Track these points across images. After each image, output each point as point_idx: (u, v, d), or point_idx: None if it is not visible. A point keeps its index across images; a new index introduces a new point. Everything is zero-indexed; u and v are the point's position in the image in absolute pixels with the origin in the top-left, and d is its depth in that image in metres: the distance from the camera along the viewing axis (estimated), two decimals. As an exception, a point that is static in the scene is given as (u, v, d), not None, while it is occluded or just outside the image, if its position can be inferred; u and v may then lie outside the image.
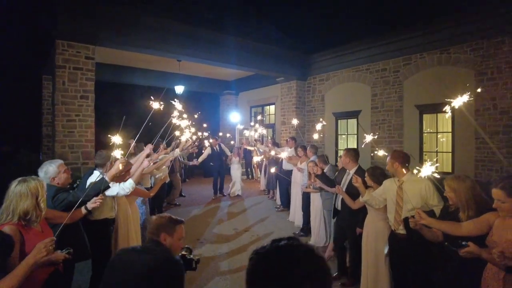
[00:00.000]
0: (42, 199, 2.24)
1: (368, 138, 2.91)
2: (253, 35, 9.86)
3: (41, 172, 2.88)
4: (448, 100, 2.29)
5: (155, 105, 3.01)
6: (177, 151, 5.79)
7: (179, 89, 11.24)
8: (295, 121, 4.90)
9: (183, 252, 2.22)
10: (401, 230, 2.96)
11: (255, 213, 7.85)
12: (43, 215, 2.27)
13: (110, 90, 11.32)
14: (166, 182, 7.38)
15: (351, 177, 4.03)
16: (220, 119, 15.21)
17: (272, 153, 7.14)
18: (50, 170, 2.89)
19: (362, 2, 11.45)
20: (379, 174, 3.35)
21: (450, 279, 2.42)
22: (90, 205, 2.79)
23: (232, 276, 4.46)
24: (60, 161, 3.01)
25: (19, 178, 2.25)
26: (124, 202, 3.85)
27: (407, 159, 3.11)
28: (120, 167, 2.73)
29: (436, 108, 8.15)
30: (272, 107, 13.17)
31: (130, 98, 12.07)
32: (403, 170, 3.06)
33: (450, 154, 7.97)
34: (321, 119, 3.51)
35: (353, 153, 4.10)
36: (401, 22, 8.75)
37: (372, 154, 8.05)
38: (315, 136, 4.73)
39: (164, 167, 5.78)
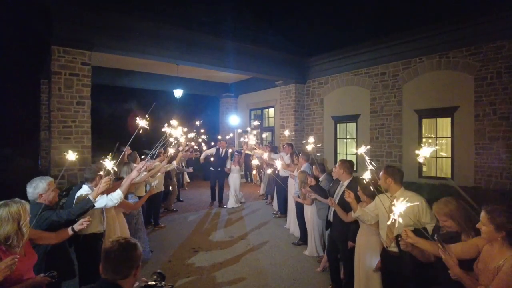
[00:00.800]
0: (24, 223, 2.17)
1: (362, 149, 2.83)
2: (252, 39, 9.82)
3: (30, 187, 2.84)
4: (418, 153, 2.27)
5: (142, 123, 2.97)
6: (174, 164, 5.73)
7: (178, 92, 11.20)
8: (287, 133, 4.85)
9: (152, 282, 1.97)
10: (393, 248, 2.90)
11: (252, 219, 7.80)
12: (26, 239, 2.21)
13: (107, 93, 11.29)
14: (163, 190, 7.35)
15: (344, 189, 3.98)
16: (220, 122, 15.18)
17: (265, 156, 7.07)
18: (40, 186, 2.85)
19: (362, 6, 11.38)
20: (370, 189, 3.27)
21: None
22: (77, 226, 2.75)
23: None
24: (50, 179, 2.96)
25: (0, 202, 2.19)
26: (112, 216, 3.81)
27: (400, 175, 3.06)
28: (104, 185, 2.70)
29: (436, 113, 8.09)
30: (272, 110, 13.12)
31: (128, 101, 12.03)
32: (396, 186, 3.01)
33: (450, 159, 7.88)
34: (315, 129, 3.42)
35: (348, 165, 4.04)
36: (400, 26, 8.68)
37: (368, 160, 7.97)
38: (309, 147, 4.59)
39: (159, 174, 5.74)
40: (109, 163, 2.76)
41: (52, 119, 6.80)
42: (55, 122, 6.78)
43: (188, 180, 11.24)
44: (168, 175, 7.80)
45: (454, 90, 7.72)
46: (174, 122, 4.00)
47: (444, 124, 8.11)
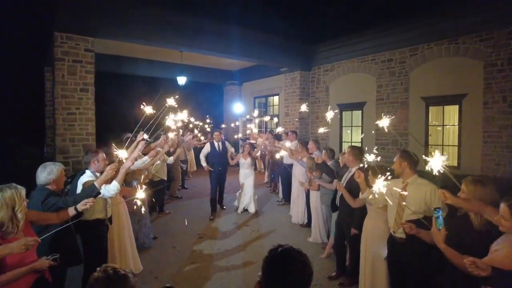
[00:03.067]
0: (19, 209, 2.13)
1: (385, 122, 2.69)
2: (257, 24, 9.65)
3: (44, 172, 2.79)
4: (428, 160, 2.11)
5: (148, 109, 2.93)
6: (171, 159, 5.66)
7: (182, 80, 11.12)
8: (303, 107, 4.62)
9: None
10: (400, 234, 2.86)
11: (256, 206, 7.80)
12: (22, 225, 2.17)
13: (111, 81, 11.22)
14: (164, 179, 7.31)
15: (352, 175, 3.93)
16: (224, 110, 15.10)
17: (259, 141, 7.06)
18: (54, 171, 2.81)
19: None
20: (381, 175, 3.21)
21: (448, 284, 2.33)
22: (80, 206, 2.68)
23: (230, 274, 4.43)
24: (62, 165, 2.95)
25: None
26: (117, 200, 3.82)
27: (416, 160, 2.98)
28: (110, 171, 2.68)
29: (443, 100, 7.95)
30: (276, 98, 13.01)
31: (132, 89, 11.98)
32: (410, 171, 2.95)
33: (457, 147, 7.78)
34: (329, 107, 3.26)
35: (357, 152, 3.97)
36: (408, 11, 8.44)
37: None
38: (321, 130, 4.22)
39: (158, 162, 5.69)
40: (123, 152, 2.72)
41: (56, 106, 6.79)
42: (59, 109, 6.77)
43: (195, 169, 11.19)
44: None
45: (462, 77, 7.56)
46: (171, 100, 3.88)
47: (452, 112, 7.98)
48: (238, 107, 13.57)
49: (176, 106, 3.83)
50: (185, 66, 11.50)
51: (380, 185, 2.20)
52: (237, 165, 7.77)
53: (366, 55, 9.51)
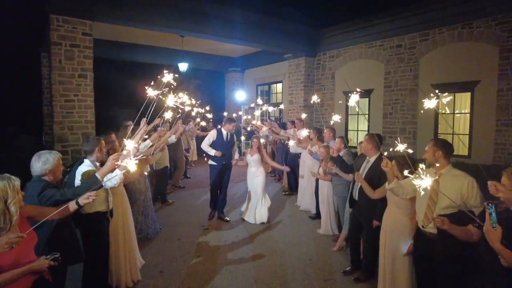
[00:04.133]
0: (12, 201, 1.88)
1: (432, 103, 2.42)
2: (260, 8, 9.28)
3: (39, 162, 2.54)
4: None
5: (150, 92, 2.68)
6: (173, 138, 5.43)
7: (183, 66, 10.81)
8: (314, 98, 4.31)
9: None
10: (431, 229, 2.63)
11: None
12: (16, 220, 1.93)
13: (110, 68, 10.91)
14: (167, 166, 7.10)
15: (371, 165, 3.71)
16: (226, 98, 14.79)
17: (263, 130, 6.77)
18: (50, 161, 2.55)
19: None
20: (407, 165, 2.97)
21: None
22: (82, 200, 2.42)
23: (239, 268, 4.24)
24: (58, 154, 2.69)
25: None
26: (120, 192, 3.61)
27: (451, 149, 2.75)
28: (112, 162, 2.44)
29: (455, 87, 7.68)
30: (279, 86, 12.69)
31: (132, 76, 11.67)
32: (445, 161, 2.71)
33: (467, 136, 7.55)
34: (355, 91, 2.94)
35: (376, 140, 3.71)
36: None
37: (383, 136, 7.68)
38: (336, 118, 3.65)
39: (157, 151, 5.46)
40: (130, 143, 2.48)
41: (53, 93, 6.51)
42: (57, 96, 6.49)
43: (196, 158, 10.94)
44: (172, 151, 7.52)
45: (475, 63, 7.27)
46: (168, 77, 3.62)
47: (463, 100, 7.72)
48: (240, 95, 13.28)
49: (174, 84, 3.61)
50: (186, 52, 11.17)
51: (418, 175, 1.96)
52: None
53: (374, 41, 9.18)
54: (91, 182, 2.49)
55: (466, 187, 2.51)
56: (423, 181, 2.03)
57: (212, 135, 6.12)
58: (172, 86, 2.89)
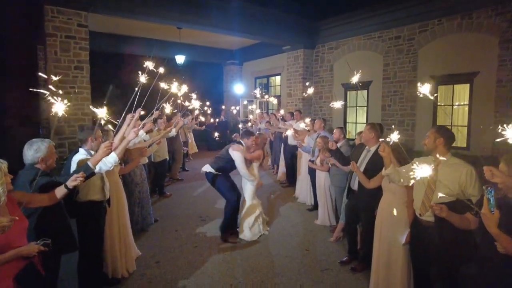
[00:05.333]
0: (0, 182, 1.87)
1: (426, 88, 2.40)
2: (259, -1, 9.19)
3: (30, 150, 2.52)
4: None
5: (142, 79, 2.66)
6: (173, 131, 5.35)
7: (180, 59, 10.74)
8: (310, 91, 4.27)
9: None
10: (428, 217, 2.61)
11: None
12: (4, 201, 1.90)
13: (107, 61, 10.81)
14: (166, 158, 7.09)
15: (372, 155, 3.68)
16: (224, 90, 14.71)
17: (261, 125, 6.73)
18: (42, 149, 2.54)
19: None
20: (405, 154, 2.93)
21: (488, 276, 2.10)
22: (70, 183, 2.39)
23: (235, 258, 4.25)
24: (51, 141, 2.67)
25: None
26: (115, 181, 3.59)
27: (453, 138, 2.70)
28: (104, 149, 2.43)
29: (454, 79, 7.64)
30: (278, 78, 12.62)
31: (129, 69, 11.56)
32: (445, 149, 2.67)
33: (466, 128, 7.53)
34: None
35: (378, 129, 3.67)
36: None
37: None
38: (337, 104, 3.47)
39: (154, 144, 5.45)
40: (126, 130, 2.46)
41: (49, 85, 6.45)
42: (53, 88, 6.44)
43: (196, 150, 10.89)
44: (170, 144, 7.51)
45: (475, 54, 7.23)
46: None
47: (462, 91, 7.68)
48: (238, 88, 13.20)
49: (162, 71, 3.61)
50: (184, 45, 11.08)
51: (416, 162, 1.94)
52: None
53: (373, 32, 9.11)
54: (83, 169, 2.47)
55: (465, 175, 2.48)
56: (423, 170, 2.00)
57: (241, 157, 4.75)
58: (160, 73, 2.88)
